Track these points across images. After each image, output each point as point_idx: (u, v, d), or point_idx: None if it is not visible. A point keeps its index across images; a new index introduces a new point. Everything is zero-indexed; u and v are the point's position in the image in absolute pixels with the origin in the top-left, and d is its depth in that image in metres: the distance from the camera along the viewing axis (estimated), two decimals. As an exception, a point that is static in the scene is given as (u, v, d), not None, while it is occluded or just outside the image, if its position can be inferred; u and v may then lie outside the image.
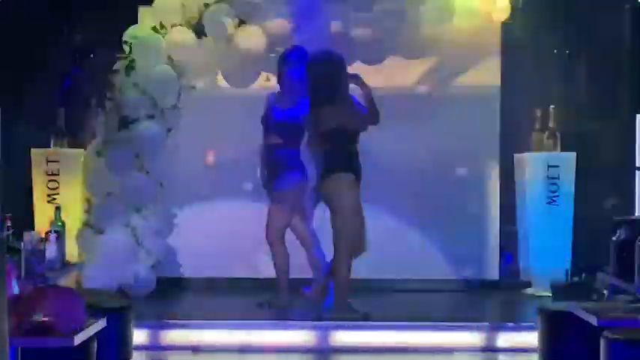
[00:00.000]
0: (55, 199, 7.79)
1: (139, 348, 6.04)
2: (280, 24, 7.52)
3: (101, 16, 8.15)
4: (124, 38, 7.55)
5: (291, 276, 7.05)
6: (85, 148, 7.87)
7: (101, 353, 4.72)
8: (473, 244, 7.56)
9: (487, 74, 8.04)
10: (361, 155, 6.75)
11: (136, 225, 7.45)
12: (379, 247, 8.13)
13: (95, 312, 4.52)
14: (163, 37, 7.51)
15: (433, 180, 7.06)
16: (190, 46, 7.53)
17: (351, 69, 7.29)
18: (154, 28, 7.54)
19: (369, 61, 7.90)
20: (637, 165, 8.28)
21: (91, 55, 8.35)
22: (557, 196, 7.87)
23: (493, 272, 8.06)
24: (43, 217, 7.62)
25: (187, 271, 8.15)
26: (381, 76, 7.76)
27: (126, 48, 7.51)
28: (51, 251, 5.41)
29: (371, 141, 7.77)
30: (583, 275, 7.25)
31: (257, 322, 6.54)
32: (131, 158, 7.41)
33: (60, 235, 5.61)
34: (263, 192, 7.19)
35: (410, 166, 7.86)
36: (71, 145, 8.02)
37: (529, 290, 7.86)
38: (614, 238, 5.69)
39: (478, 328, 6.42)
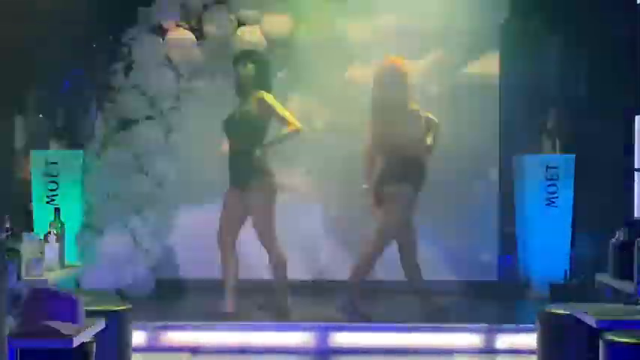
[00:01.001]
0: (54, 200, 7.78)
1: (137, 349, 6.03)
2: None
3: (101, 16, 8.16)
4: (124, 39, 7.57)
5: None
6: (85, 150, 7.87)
7: (100, 355, 4.71)
8: (472, 245, 7.56)
9: (486, 75, 8.03)
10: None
11: (135, 226, 7.45)
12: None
13: (94, 313, 4.52)
14: (162, 38, 7.52)
15: (432, 181, 7.04)
16: (189, 47, 7.55)
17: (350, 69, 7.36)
18: (154, 30, 7.56)
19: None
20: (636, 166, 8.28)
21: (91, 57, 8.35)
22: (557, 197, 7.87)
23: (492, 274, 8.06)
24: (42, 218, 7.62)
25: (186, 272, 8.15)
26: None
27: (125, 49, 7.53)
28: (50, 253, 5.40)
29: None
30: (582, 277, 7.26)
31: (256, 324, 6.55)
32: (130, 160, 7.41)
33: (59, 237, 5.60)
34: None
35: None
36: (70, 147, 8.02)
37: (528, 292, 7.86)
38: (613, 240, 5.69)
39: (477, 330, 6.43)
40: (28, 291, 4.31)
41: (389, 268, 8.04)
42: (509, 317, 6.82)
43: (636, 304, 4.84)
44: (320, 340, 6.41)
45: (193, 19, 7.58)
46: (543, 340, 5.50)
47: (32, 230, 7.02)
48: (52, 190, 7.84)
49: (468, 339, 6.41)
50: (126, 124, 7.44)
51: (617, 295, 5.58)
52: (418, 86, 7.28)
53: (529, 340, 5.98)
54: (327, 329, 6.43)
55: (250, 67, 6.70)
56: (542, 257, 7.83)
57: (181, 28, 7.56)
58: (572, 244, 7.88)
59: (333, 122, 8.15)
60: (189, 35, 7.56)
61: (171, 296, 7.73)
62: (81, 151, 7.94)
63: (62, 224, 5.73)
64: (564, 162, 7.93)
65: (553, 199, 7.87)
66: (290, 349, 6.38)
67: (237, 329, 6.49)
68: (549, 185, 7.87)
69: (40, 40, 8.30)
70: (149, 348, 6.33)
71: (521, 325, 6.42)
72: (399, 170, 6.62)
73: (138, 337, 6.08)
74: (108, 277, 7.28)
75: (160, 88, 7.49)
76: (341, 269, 7.50)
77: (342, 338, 6.45)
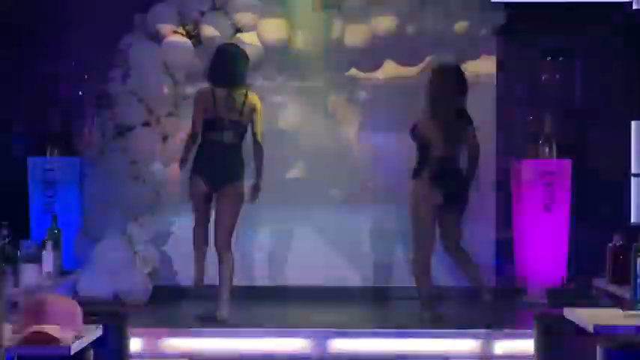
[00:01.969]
0: (51, 207, 7.78)
1: (135, 356, 6.03)
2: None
3: (97, 23, 8.17)
4: (121, 46, 7.57)
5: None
6: (82, 157, 7.87)
7: (98, 361, 4.71)
8: (469, 250, 7.50)
9: (483, 81, 8.03)
10: (357, 161, 6.80)
11: (133, 233, 7.45)
12: (373, 255, 8.19)
13: (92, 320, 4.51)
14: (159, 44, 7.53)
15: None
16: (186, 53, 7.55)
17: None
18: (151, 36, 7.57)
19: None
20: (632, 172, 8.30)
21: (87, 63, 8.36)
22: (553, 202, 7.88)
23: (489, 279, 8.05)
24: (39, 225, 7.62)
25: (184, 279, 8.14)
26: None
27: (122, 55, 7.53)
28: (48, 259, 5.40)
29: (366, 149, 7.83)
30: (579, 282, 7.26)
31: (253, 330, 6.54)
32: (127, 166, 7.41)
33: (57, 244, 5.60)
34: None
35: (405, 174, 7.86)
36: (67, 154, 8.02)
37: (525, 297, 7.87)
38: (609, 245, 5.70)
39: (474, 335, 6.43)
40: (25, 298, 4.31)
41: (385, 275, 8.13)
42: (506, 322, 6.82)
43: (633, 309, 4.85)
44: (318, 347, 6.41)
45: (190, 25, 7.59)
46: (540, 345, 5.51)
47: (29, 237, 7.01)
48: (49, 197, 7.84)
49: (466, 344, 6.41)
50: (123, 130, 7.43)
51: (614, 300, 5.59)
52: (415, 91, 7.29)
53: (526, 345, 5.98)
54: (326, 335, 6.43)
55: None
56: (539, 262, 7.84)
57: (178, 35, 7.57)
58: (569, 250, 7.88)
59: (329, 129, 8.17)
60: (187, 41, 7.56)
61: (169, 303, 7.72)
62: (78, 158, 7.95)
63: (59, 231, 5.74)
64: (561, 167, 7.93)
65: (550, 205, 7.87)
66: (289, 355, 6.38)
67: (235, 335, 6.49)
68: (546, 190, 7.88)
69: (38, 46, 8.33)
70: (147, 355, 6.32)
71: (518, 330, 6.43)
72: None
73: (135, 344, 6.09)
74: (105, 284, 7.27)
75: (157, 95, 7.49)
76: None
77: (341, 344, 6.44)
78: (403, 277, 7.78)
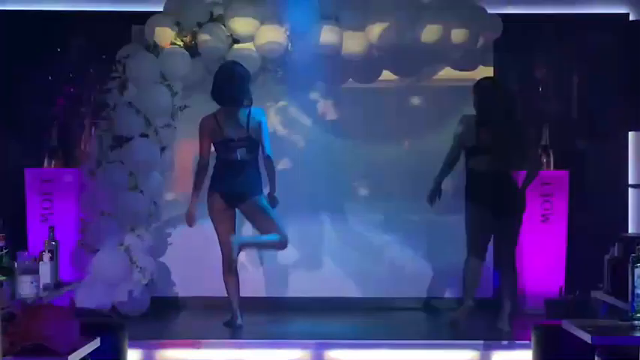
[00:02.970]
0: (49, 218, 7.77)
1: (132, 367, 6.03)
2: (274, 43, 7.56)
3: (95, 34, 8.18)
4: (118, 57, 7.58)
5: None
6: (79, 168, 7.86)
7: (95, 373, 4.70)
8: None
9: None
10: (352, 171, 6.83)
11: (130, 244, 7.45)
12: (370, 265, 8.18)
13: (89, 332, 4.51)
14: (157, 56, 7.53)
15: (425, 197, 7.07)
16: (184, 64, 7.56)
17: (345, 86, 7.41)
18: (148, 47, 7.58)
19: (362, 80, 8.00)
20: (630, 182, 8.30)
21: (85, 74, 8.36)
22: (551, 213, 7.88)
23: (487, 290, 8.05)
24: (37, 236, 7.61)
25: (181, 290, 8.14)
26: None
27: (119, 67, 7.54)
28: (45, 271, 5.39)
29: (364, 162, 7.82)
30: (577, 293, 7.26)
31: (252, 342, 6.54)
32: (125, 177, 7.41)
33: (54, 255, 5.59)
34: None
35: (402, 184, 7.88)
36: (65, 165, 8.01)
37: (523, 308, 7.86)
38: (607, 256, 5.70)
39: (472, 347, 6.42)
40: (22, 309, 4.30)
41: (381, 286, 8.12)
42: (504, 333, 6.81)
43: (631, 320, 4.84)
44: (317, 357, 6.40)
45: (188, 36, 7.60)
46: (538, 357, 5.50)
47: (26, 249, 6.99)
48: (46, 209, 7.83)
49: (464, 355, 6.40)
50: (120, 141, 7.43)
51: (612, 312, 5.58)
52: (412, 103, 7.33)
53: (524, 356, 5.98)
54: (322, 346, 6.43)
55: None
56: (537, 273, 7.84)
57: (176, 46, 7.57)
58: (567, 261, 7.88)
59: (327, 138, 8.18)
60: (184, 52, 7.57)
61: (166, 314, 7.71)
62: (75, 169, 7.94)
63: (57, 242, 5.72)
64: (559, 178, 7.93)
65: (548, 215, 7.87)
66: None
67: (233, 347, 6.48)
68: (544, 202, 7.88)
69: (35, 56, 8.34)
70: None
71: (516, 342, 6.42)
72: None
73: (133, 356, 6.07)
74: (103, 295, 7.26)
75: (155, 106, 7.49)
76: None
77: (339, 355, 6.43)
78: (403, 289, 7.80)
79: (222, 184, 6.90)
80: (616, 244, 5.67)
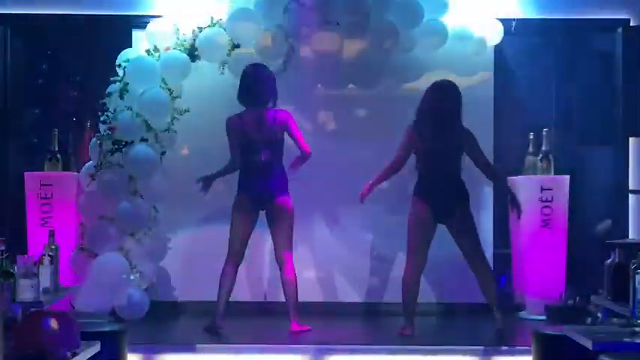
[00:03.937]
0: (48, 222, 7.76)
1: (132, 372, 6.02)
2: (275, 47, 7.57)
3: (96, 38, 8.19)
4: (118, 61, 7.59)
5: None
6: (79, 172, 7.86)
7: (95, 377, 4.69)
8: (466, 267, 7.50)
9: (480, 96, 8.04)
10: (350, 175, 6.86)
11: (130, 248, 7.44)
12: (370, 271, 8.18)
13: (89, 336, 4.50)
14: (157, 60, 7.54)
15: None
16: (184, 69, 7.57)
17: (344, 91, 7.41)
18: (148, 52, 7.58)
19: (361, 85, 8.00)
20: (630, 188, 8.30)
21: (86, 79, 8.36)
22: (551, 219, 7.87)
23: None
24: (36, 240, 7.60)
25: (181, 294, 8.13)
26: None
27: (120, 71, 7.55)
28: (45, 275, 5.39)
29: (361, 165, 7.81)
30: (577, 298, 7.25)
31: (251, 347, 6.53)
32: (125, 181, 7.41)
33: (54, 259, 5.59)
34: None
35: (401, 190, 7.86)
36: (65, 169, 8.01)
37: (523, 314, 7.86)
38: (607, 262, 5.69)
39: (472, 352, 6.41)
40: (22, 314, 4.29)
41: (380, 291, 8.12)
42: (504, 339, 6.81)
43: (632, 326, 4.84)
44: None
45: (188, 40, 7.61)
46: (539, 362, 5.50)
47: (26, 253, 6.99)
48: (46, 213, 7.82)
49: (464, 361, 6.40)
50: (121, 145, 7.43)
51: (612, 317, 5.58)
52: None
53: (525, 362, 5.97)
54: (322, 351, 6.42)
55: None
56: (538, 279, 7.83)
57: (176, 50, 7.58)
58: (568, 266, 7.87)
59: (327, 142, 8.18)
60: (184, 57, 7.57)
61: (166, 318, 7.70)
62: (75, 173, 7.93)
63: (56, 246, 5.72)
64: (559, 183, 7.92)
65: (548, 221, 7.86)
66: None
67: (233, 352, 6.47)
68: (544, 207, 7.87)
69: (35, 61, 8.34)
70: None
71: (516, 348, 6.41)
72: None
73: (133, 360, 6.07)
74: (102, 300, 7.25)
75: (155, 110, 7.48)
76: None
77: (338, 360, 6.45)
78: (396, 294, 7.79)
79: (248, 185, 6.95)
80: (616, 249, 5.67)
